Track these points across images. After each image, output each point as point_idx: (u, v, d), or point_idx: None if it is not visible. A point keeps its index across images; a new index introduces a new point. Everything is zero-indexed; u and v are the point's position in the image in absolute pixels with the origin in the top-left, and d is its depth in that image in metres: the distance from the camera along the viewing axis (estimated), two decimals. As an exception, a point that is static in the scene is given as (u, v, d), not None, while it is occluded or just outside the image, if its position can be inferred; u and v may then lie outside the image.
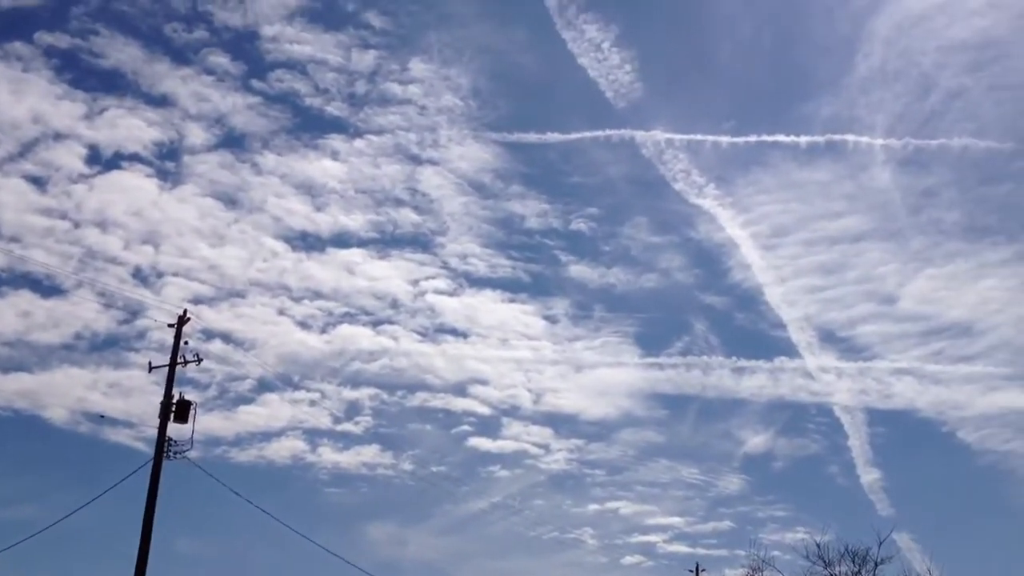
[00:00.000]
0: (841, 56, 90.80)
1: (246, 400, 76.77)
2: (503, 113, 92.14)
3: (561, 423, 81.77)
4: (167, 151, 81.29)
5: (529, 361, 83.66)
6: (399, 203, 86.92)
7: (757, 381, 79.86)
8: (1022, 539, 75.81)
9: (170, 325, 37.09)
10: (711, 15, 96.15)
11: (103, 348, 76.96)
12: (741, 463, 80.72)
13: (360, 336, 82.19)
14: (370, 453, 76.85)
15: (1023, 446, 76.62)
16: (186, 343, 36.72)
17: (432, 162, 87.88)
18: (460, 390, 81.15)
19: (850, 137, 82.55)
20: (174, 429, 35.44)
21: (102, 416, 75.25)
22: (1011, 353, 78.74)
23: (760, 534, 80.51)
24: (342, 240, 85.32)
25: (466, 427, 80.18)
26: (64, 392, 72.85)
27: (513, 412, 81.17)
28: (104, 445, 70.22)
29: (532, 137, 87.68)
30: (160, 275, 77.54)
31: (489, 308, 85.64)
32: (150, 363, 36.98)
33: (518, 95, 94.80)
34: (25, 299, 74.25)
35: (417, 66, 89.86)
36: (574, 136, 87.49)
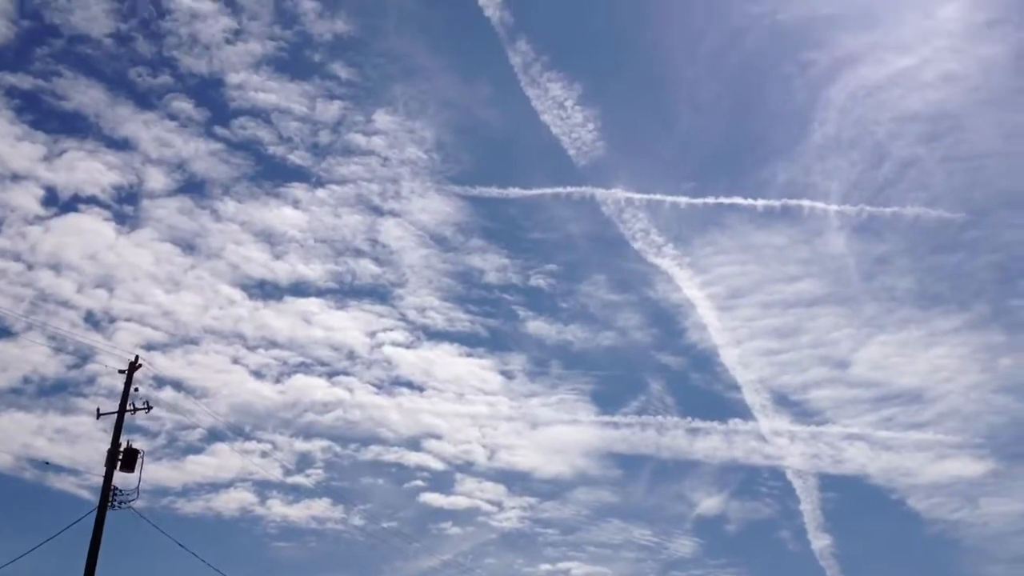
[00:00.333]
0: (798, 123, 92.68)
1: (195, 450, 75.51)
2: (466, 167, 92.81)
3: (515, 480, 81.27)
4: (126, 195, 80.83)
5: (484, 416, 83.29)
6: (359, 254, 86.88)
7: (711, 443, 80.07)
8: (970, 607, 76.14)
9: (121, 371, 36.60)
10: (673, 79, 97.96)
11: (51, 393, 75.44)
12: (694, 525, 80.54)
13: (315, 387, 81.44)
14: (320, 507, 75.73)
15: (972, 515, 77.08)
16: (136, 390, 36.24)
17: (393, 214, 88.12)
18: (414, 444, 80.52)
19: (806, 202, 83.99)
20: (120, 478, 34.82)
21: (47, 463, 73.43)
22: (961, 421, 79.66)
23: (712, 597, 79.86)
24: (300, 289, 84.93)
25: (419, 482, 79.39)
26: (9, 437, 71.16)
27: (467, 468, 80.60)
28: (49, 492, 68.51)
29: (494, 192, 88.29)
30: (113, 320, 76.52)
31: (446, 362, 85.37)
32: (98, 410, 36.41)
33: (481, 150, 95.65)
34: (-27, 340, 72.65)
35: (382, 118, 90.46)
36: (535, 192, 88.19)
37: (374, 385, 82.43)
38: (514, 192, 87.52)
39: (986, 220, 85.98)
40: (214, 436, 72.17)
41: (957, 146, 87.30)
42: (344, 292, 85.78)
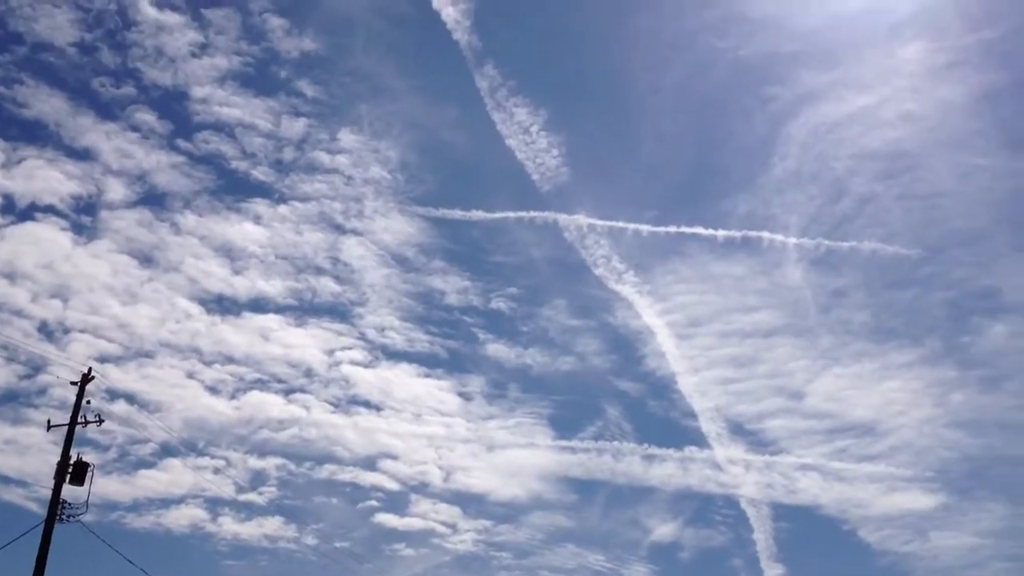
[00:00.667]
0: (759, 157, 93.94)
1: (147, 464, 74.59)
2: (430, 188, 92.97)
3: (470, 503, 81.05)
4: (84, 205, 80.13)
5: (441, 438, 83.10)
6: (320, 271, 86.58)
7: (667, 469, 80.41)
8: (918, 639, 76.87)
9: (73, 383, 36.19)
10: (638, 109, 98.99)
11: (1, 403, 74.35)
12: (648, 552, 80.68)
13: (271, 404, 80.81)
14: (273, 525, 75.03)
15: (922, 548, 77.95)
16: (88, 402, 35.82)
17: (356, 232, 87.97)
18: (370, 464, 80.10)
19: (765, 234, 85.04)
20: (69, 491, 34.36)
21: (-7, 474, 72.09)
22: (913, 455, 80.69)
23: (663, 625, 79.97)
24: (259, 305, 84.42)
25: (373, 502, 78.95)
26: (-45, 447, 69.80)
27: (422, 489, 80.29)
28: (-6, 504, 67.21)
29: (457, 214, 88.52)
30: (67, 331, 75.60)
31: (404, 382, 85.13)
32: (49, 421, 35.97)
33: (445, 171, 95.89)
34: (-79, 348, 71.34)
35: (346, 136, 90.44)
36: (498, 215, 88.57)
37: (331, 403, 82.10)
38: (477, 215, 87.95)
39: (940, 257, 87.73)
40: (167, 451, 71.60)
41: (914, 184, 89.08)
42: (303, 309, 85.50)
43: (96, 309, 77.29)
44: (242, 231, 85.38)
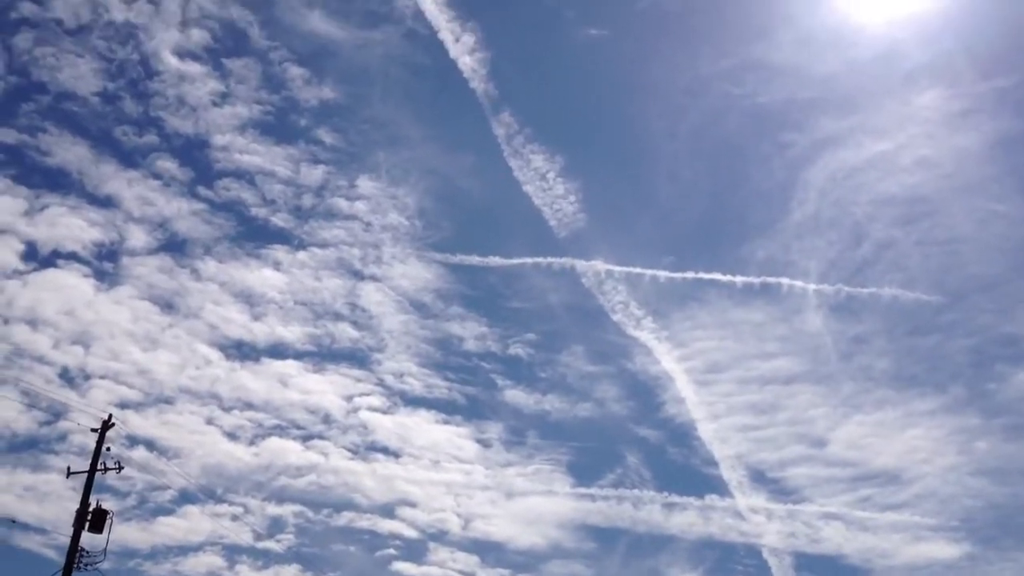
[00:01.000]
0: (777, 202, 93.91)
1: (165, 511, 74.28)
2: (447, 234, 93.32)
3: (488, 551, 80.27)
4: (106, 252, 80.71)
5: (460, 485, 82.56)
6: (338, 317, 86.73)
7: (687, 518, 79.51)
8: None
9: (93, 429, 36.25)
10: (655, 155, 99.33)
11: (21, 449, 74.29)
12: (668, 601, 79.48)
13: (289, 450, 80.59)
14: (290, 573, 74.31)
15: (946, 597, 76.61)
16: (108, 449, 35.81)
17: (374, 278, 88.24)
18: (388, 511, 79.56)
19: (784, 280, 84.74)
20: (88, 538, 34.36)
21: (13, 521, 71.96)
22: (937, 503, 79.56)
23: (685, 676, 78.68)
24: (278, 351, 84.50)
25: (391, 550, 78.26)
26: (-25, 493, 69.81)
27: (440, 537, 79.60)
28: (14, 551, 66.83)
29: (475, 260, 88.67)
30: (88, 377, 75.79)
31: (423, 428, 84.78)
32: (68, 468, 35.99)
33: (463, 218, 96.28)
34: (-57, 394, 71.61)
35: (365, 183, 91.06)
36: (516, 261, 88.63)
37: (349, 450, 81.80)
38: (495, 261, 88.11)
39: (961, 303, 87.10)
40: (185, 498, 71.21)
41: (932, 230, 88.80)
42: (322, 355, 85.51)
43: (117, 355, 77.67)
44: (261, 277, 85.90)
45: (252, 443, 79.55)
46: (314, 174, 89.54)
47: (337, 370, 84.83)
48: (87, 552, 34.09)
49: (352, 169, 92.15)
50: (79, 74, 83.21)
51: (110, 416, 36.33)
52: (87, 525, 34.20)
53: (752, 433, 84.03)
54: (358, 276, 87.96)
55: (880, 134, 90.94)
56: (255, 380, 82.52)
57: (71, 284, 78.45)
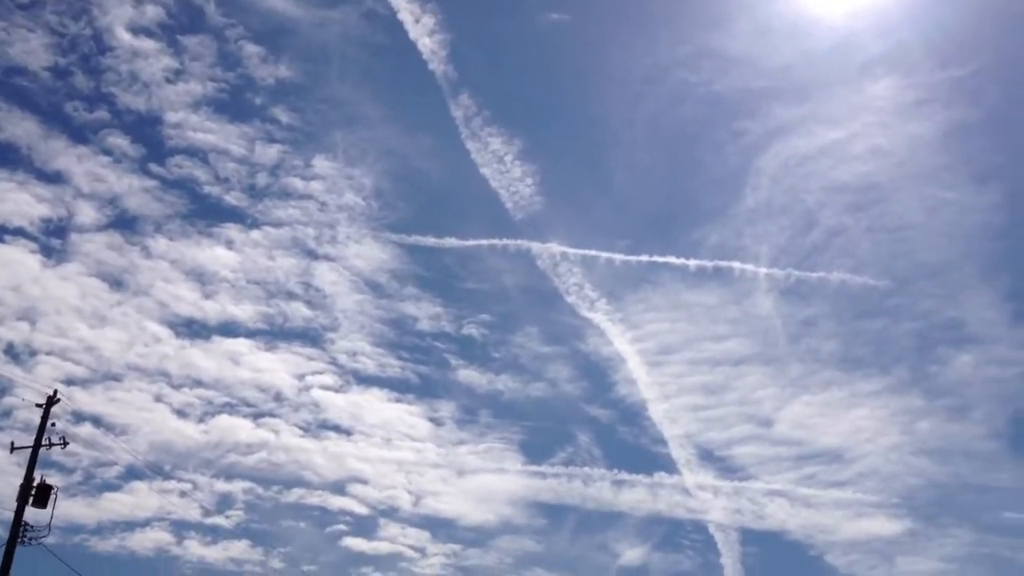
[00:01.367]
0: (731, 188, 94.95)
1: (112, 487, 74.07)
2: (403, 215, 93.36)
3: (439, 527, 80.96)
4: (54, 228, 79.99)
5: (411, 462, 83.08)
6: (291, 296, 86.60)
7: (636, 495, 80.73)
8: (883, 666, 77.32)
9: (38, 405, 36.16)
10: (612, 139, 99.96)
11: (-34, 425, 73.47)
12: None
13: (239, 428, 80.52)
14: (239, 548, 74.60)
15: (887, 573, 78.56)
16: (53, 424, 35.79)
17: (328, 258, 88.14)
18: (339, 488, 79.88)
19: (736, 264, 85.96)
20: (32, 513, 34.33)
21: (-43, 497, 71.40)
22: (879, 481, 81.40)
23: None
24: (229, 329, 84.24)
25: (342, 526, 78.71)
26: (-82, 470, 69.03)
27: (391, 513, 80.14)
28: (-45, 528, 66.51)
29: (430, 241, 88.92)
30: (34, 353, 75.22)
31: (375, 407, 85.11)
32: (12, 443, 35.91)
33: (419, 199, 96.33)
34: None
35: (321, 163, 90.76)
36: (472, 243, 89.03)
37: (300, 428, 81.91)
38: (450, 242, 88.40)
39: (908, 288, 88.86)
40: (132, 474, 70.96)
41: (882, 217, 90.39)
42: (274, 334, 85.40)
43: (64, 332, 77.07)
44: (213, 255, 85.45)
45: (201, 420, 79.48)
46: (269, 153, 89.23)
47: (289, 349, 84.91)
48: (31, 527, 34.13)
49: (308, 148, 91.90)
50: (30, 49, 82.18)
51: (55, 392, 36.31)
52: (31, 500, 34.21)
53: (701, 413, 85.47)
54: (312, 256, 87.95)
55: (833, 123, 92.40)
56: (205, 358, 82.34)
57: (18, 260, 77.80)
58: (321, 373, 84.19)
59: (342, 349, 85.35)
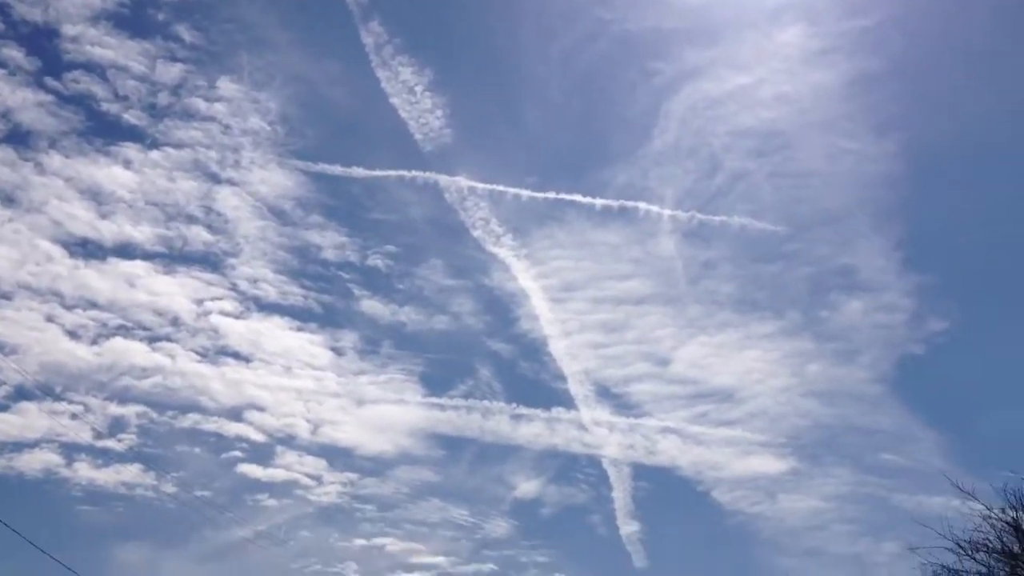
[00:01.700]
0: (640, 129, 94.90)
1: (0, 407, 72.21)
2: (310, 142, 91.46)
3: (337, 456, 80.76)
4: (-58, 139, 76.48)
5: (311, 391, 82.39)
6: (192, 220, 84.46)
7: (534, 429, 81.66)
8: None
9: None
10: (524, 75, 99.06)
11: None
12: (510, 507, 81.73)
13: (134, 351, 78.67)
14: (131, 472, 73.47)
15: (770, 510, 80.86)
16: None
17: (231, 183, 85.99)
18: (235, 415, 78.92)
19: (641, 205, 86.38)
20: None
21: None
22: (767, 421, 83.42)
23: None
24: (126, 251, 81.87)
25: (237, 452, 77.86)
26: None
27: (288, 441, 79.59)
28: None
29: (337, 169, 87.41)
30: (-82, 268, 72.36)
31: (275, 335, 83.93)
32: None
33: (327, 126, 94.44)
34: None
35: (226, 85, 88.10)
36: (379, 173, 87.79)
37: (198, 353, 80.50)
38: (358, 172, 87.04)
39: (805, 234, 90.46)
40: (21, 394, 69.09)
41: (784, 163, 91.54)
42: (173, 257, 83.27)
43: (-49, 247, 74.26)
44: (111, 175, 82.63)
45: (95, 343, 77.56)
46: (171, 72, 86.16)
47: (188, 273, 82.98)
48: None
49: (212, 69, 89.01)
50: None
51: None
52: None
53: (601, 351, 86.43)
54: (215, 179, 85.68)
55: (741, 68, 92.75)
56: (100, 279, 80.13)
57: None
58: (221, 299, 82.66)
59: (243, 275, 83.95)
